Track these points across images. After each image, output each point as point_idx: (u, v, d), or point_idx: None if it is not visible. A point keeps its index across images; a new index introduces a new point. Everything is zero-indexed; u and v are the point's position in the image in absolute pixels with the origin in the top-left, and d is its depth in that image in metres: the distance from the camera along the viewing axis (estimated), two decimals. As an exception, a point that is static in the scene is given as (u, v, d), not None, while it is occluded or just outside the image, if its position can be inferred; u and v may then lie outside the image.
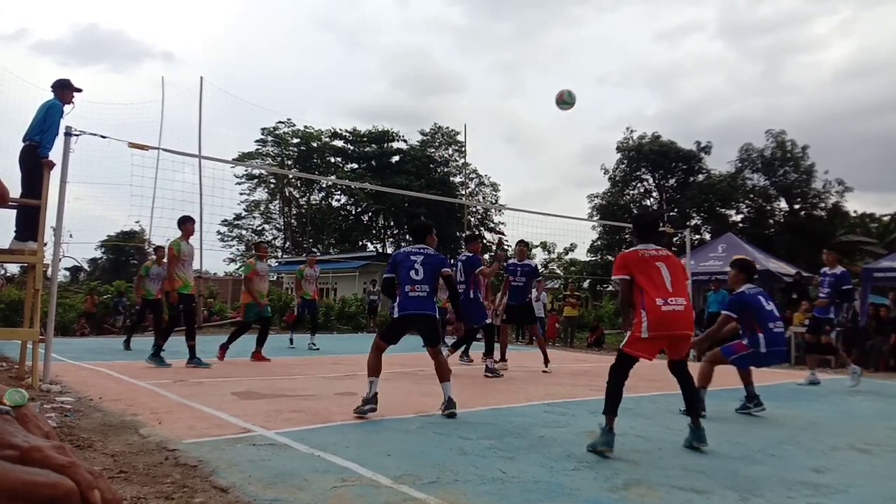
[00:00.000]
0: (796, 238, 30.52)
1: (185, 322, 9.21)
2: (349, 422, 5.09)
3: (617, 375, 4.41)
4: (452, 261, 9.72)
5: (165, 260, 9.60)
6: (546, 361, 9.68)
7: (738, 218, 34.77)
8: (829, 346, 9.33)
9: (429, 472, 3.63)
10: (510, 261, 10.20)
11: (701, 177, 35.47)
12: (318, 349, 12.21)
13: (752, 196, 34.28)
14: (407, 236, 45.23)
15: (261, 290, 9.98)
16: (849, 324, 9.40)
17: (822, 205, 32.81)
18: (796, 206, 33.30)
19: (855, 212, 34.78)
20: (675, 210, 34.46)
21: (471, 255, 9.08)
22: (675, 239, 16.17)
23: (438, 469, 3.70)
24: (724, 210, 34.79)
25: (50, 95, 7.00)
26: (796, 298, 14.37)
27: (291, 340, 13.10)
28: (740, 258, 6.75)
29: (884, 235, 32.24)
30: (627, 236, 34.69)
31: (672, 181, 36.14)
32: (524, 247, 10.44)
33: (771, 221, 34.01)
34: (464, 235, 11.50)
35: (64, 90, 6.99)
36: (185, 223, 9.02)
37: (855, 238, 29.66)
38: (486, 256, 8.85)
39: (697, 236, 30.14)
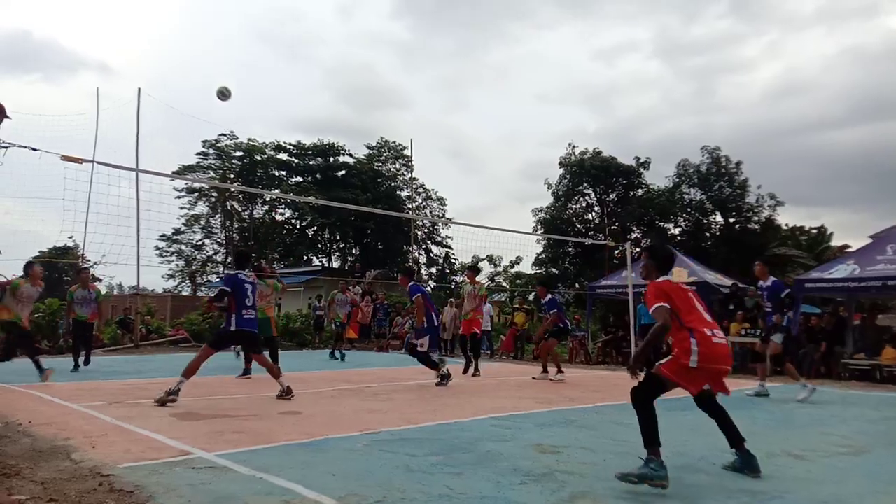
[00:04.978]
0: (732, 250, 31.59)
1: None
2: (293, 442, 4.98)
3: (648, 404, 3.97)
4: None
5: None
6: (558, 371, 11.18)
7: (677, 231, 35.76)
8: (776, 355, 9.04)
9: (374, 491, 3.58)
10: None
11: (640, 191, 36.40)
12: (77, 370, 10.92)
13: (689, 210, 35.36)
14: (354, 250, 44.93)
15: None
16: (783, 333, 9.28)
17: (756, 218, 34.08)
18: (731, 220, 34.49)
19: (786, 225, 36.29)
20: (616, 224, 35.24)
21: None
22: (616, 252, 16.51)
23: (384, 488, 3.64)
24: (663, 223, 35.72)
25: None
26: (733, 309, 14.85)
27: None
28: None
29: (813, 247, 33.72)
30: (570, 249, 35.33)
31: (613, 195, 36.95)
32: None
33: (708, 235, 35.13)
34: None
35: None
36: (31, 268, 9.48)
37: (787, 251, 30.90)
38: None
39: (638, 249, 30.86)
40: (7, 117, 6.93)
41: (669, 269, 4.52)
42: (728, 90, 71.06)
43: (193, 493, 3.49)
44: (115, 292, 36.27)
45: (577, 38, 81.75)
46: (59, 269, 39.05)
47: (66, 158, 7.41)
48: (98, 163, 8.76)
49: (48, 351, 15.79)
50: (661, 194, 35.37)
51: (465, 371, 11.39)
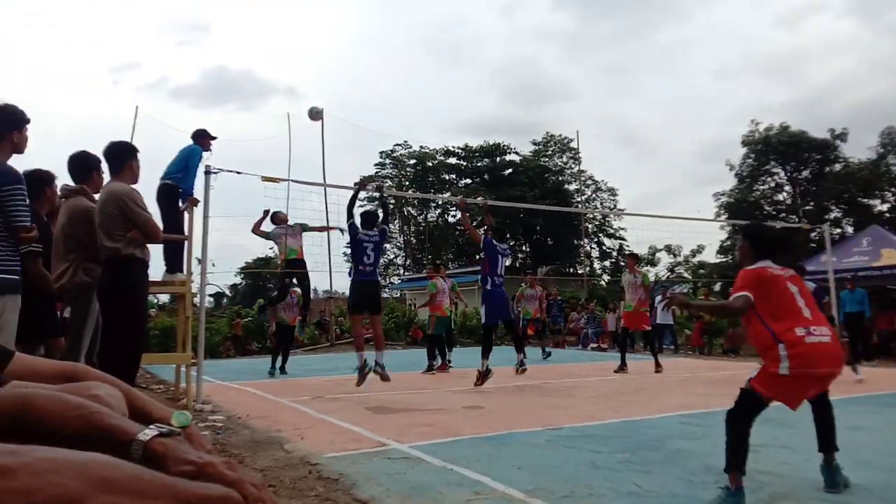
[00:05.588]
0: (956, 225, 27.62)
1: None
2: (479, 435, 5.16)
3: (741, 423, 3.44)
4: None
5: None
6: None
7: (884, 208, 31.99)
8: None
9: (561, 486, 3.61)
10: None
11: (838, 166, 33.02)
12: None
13: (898, 183, 31.48)
14: (524, 247, 45.15)
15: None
16: None
17: None
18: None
19: None
20: (812, 203, 32.23)
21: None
22: (812, 235, 15.07)
23: (571, 483, 3.67)
24: (866, 200, 32.15)
25: (189, 141, 7.68)
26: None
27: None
28: None
29: None
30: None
31: (805, 173, 33.85)
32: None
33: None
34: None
35: (203, 138, 7.70)
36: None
37: None
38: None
39: (838, 230, 28.02)
40: (213, 137, 7.83)
41: (771, 254, 3.75)
42: (942, 42, 61.87)
43: (391, 481, 3.75)
44: (311, 296, 39.45)
45: (755, 4, 75.58)
46: (264, 277, 43.14)
47: (266, 179, 8.20)
48: (293, 181, 9.59)
49: (257, 352, 17.57)
50: (862, 168, 31.81)
51: (618, 370, 10.50)
